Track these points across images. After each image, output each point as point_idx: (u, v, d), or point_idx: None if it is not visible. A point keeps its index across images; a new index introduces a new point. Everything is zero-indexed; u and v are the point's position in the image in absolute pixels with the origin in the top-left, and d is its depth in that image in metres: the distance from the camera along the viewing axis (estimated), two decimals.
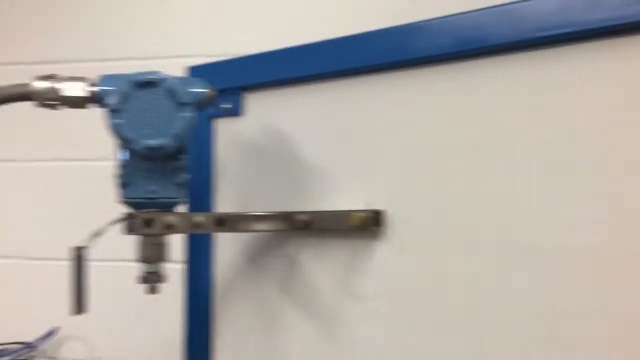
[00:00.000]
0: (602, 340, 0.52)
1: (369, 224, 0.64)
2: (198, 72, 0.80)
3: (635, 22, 0.51)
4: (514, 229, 0.57)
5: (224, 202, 0.78)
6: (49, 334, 1.19)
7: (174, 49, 1.16)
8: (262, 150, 0.76)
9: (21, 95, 0.60)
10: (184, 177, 0.65)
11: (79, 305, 0.65)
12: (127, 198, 0.65)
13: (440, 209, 0.62)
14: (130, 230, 0.62)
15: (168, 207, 0.65)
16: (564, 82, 0.55)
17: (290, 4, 1.11)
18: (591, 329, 0.53)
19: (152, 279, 0.65)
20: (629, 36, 0.52)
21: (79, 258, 0.64)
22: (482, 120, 0.60)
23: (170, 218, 0.62)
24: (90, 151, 1.18)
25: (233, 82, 0.76)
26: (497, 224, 0.58)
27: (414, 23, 0.63)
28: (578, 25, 0.54)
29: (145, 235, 0.64)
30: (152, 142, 0.61)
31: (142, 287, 0.65)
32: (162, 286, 0.67)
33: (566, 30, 0.54)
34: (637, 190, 0.51)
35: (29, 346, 1.19)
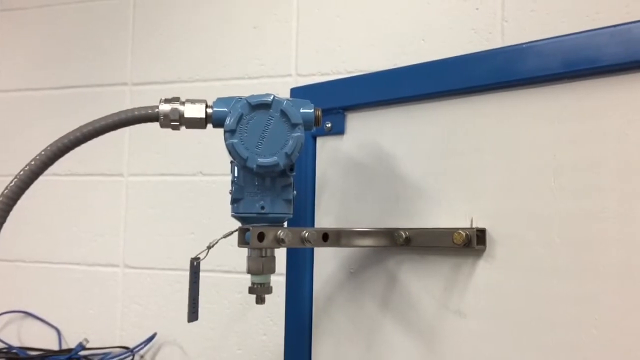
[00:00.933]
0: None
1: (472, 242, 0.65)
2: (298, 93, 0.84)
3: None
4: (624, 250, 0.57)
5: (324, 218, 0.81)
6: (148, 340, 1.25)
7: (270, 70, 1.21)
8: (363, 167, 0.78)
9: (150, 117, 0.65)
10: (293, 193, 0.68)
11: (193, 313, 0.69)
12: (238, 213, 0.69)
13: (545, 228, 0.62)
14: (244, 243, 0.66)
15: (277, 222, 0.68)
16: None
17: (381, 25, 1.14)
18: None
19: (260, 290, 0.69)
20: None
21: (194, 268, 0.68)
22: (592, 141, 0.59)
23: (280, 232, 0.65)
24: (204, 167, 1.25)
25: (335, 102, 0.79)
26: (604, 245, 0.58)
27: (522, 44, 0.64)
28: None
29: (256, 249, 0.67)
30: (265, 160, 0.65)
31: (252, 297, 0.69)
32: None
33: None
34: None
35: (129, 351, 1.26)
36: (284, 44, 1.20)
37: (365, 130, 0.78)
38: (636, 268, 0.56)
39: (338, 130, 0.80)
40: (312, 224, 0.81)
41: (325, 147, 0.82)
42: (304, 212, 0.81)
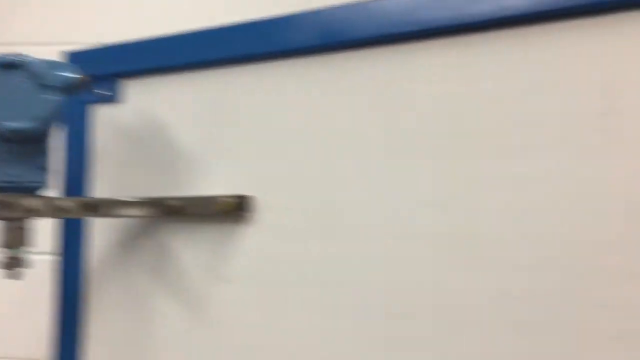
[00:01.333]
0: (455, 316, 0.57)
1: (235, 209, 0.66)
2: (76, 58, 0.79)
3: (476, 21, 0.56)
4: (371, 212, 0.61)
5: (103, 188, 0.78)
6: None
7: (52, 36, 1.13)
8: (140, 136, 0.76)
9: None
10: (48, 160, 0.64)
11: None
12: None
13: (303, 195, 0.65)
14: None
15: (31, 190, 0.64)
16: (414, 77, 0.59)
17: None
18: (434, 302, 0.57)
19: (14, 264, 0.64)
20: (471, 34, 0.57)
21: None
22: (344, 110, 0.63)
23: (31, 202, 0.61)
24: None
25: (110, 68, 0.76)
26: (357, 209, 0.61)
27: (283, 16, 0.65)
28: (425, 24, 0.58)
29: (6, 220, 0.63)
30: (13, 124, 0.60)
31: (3, 272, 0.64)
32: (27, 273, 0.66)
33: (414, 27, 0.58)
34: (476, 176, 0.56)
35: None
36: (66, 9, 1.13)
37: (143, 98, 0.76)
38: (372, 228, 0.60)
39: (113, 98, 0.77)
40: (87, 195, 0.78)
41: (103, 115, 0.79)
42: (76, 183, 0.77)
